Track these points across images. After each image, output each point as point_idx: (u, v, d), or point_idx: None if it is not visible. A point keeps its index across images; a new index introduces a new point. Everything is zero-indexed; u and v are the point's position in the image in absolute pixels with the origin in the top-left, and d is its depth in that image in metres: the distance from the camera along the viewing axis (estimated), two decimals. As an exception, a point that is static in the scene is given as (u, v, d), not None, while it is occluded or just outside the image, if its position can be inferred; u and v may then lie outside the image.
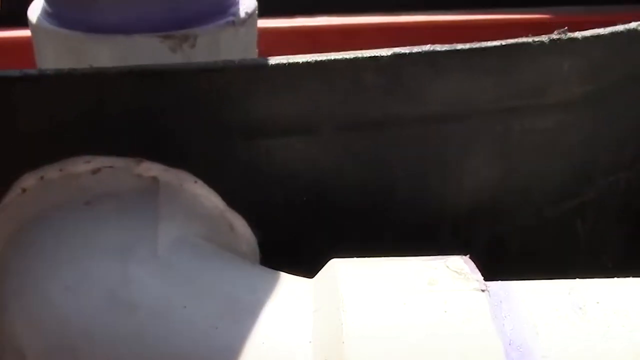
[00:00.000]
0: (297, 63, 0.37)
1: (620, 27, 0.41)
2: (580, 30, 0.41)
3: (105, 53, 0.47)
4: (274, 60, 0.37)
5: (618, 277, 0.32)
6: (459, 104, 0.40)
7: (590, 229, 0.48)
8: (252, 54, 0.53)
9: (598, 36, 0.40)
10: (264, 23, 0.89)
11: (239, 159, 0.39)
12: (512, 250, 0.47)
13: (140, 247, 0.36)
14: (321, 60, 0.37)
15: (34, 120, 0.38)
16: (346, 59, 0.37)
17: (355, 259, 0.34)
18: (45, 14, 0.49)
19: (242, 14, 0.50)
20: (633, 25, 0.41)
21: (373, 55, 0.38)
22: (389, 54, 0.38)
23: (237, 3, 0.51)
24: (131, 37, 0.46)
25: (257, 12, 0.53)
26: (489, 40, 0.95)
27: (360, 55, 0.38)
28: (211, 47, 0.48)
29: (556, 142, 0.43)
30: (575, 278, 0.32)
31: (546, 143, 0.43)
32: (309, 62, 0.37)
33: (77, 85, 0.37)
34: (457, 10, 1.05)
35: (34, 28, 0.49)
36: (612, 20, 0.97)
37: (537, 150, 0.43)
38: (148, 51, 0.47)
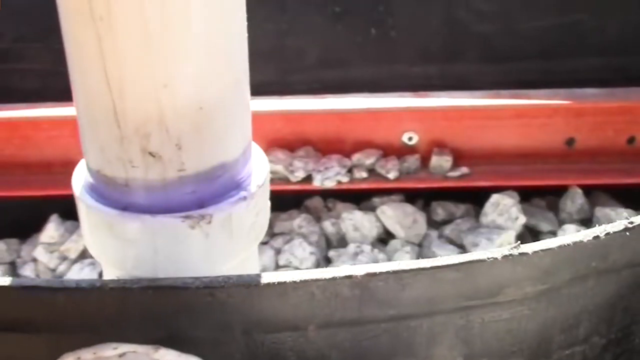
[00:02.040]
0: (285, 282, 0.45)
1: (566, 239, 0.47)
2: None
3: (133, 229, 0.55)
4: (265, 277, 0.45)
5: None
6: (424, 306, 0.47)
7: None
8: (264, 217, 0.61)
9: (547, 249, 0.47)
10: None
11: (240, 349, 0.48)
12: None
13: None
14: (305, 280, 0.45)
15: (72, 319, 0.47)
16: (325, 278, 0.45)
17: None
18: (88, 187, 0.58)
19: (253, 188, 0.58)
20: (579, 236, 0.48)
21: (348, 274, 0.45)
22: (362, 273, 0.45)
23: (250, 176, 0.59)
24: (156, 217, 0.55)
25: (269, 178, 0.61)
26: (506, 120, 1.01)
27: (337, 275, 0.45)
28: (224, 222, 0.56)
29: (514, 329, 0.50)
30: None
31: (505, 330, 0.50)
32: (294, 281, 0.45)
33: (106, 295, 0.46)
34: (477, 89, 1.11)
35: (77, 198, 0.58)
36: (626, 108, 1.02)
37: (497, 336, 0.50)
38: (171, 229, 0.55)
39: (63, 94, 1.12)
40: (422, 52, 1.13)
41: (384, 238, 1.13)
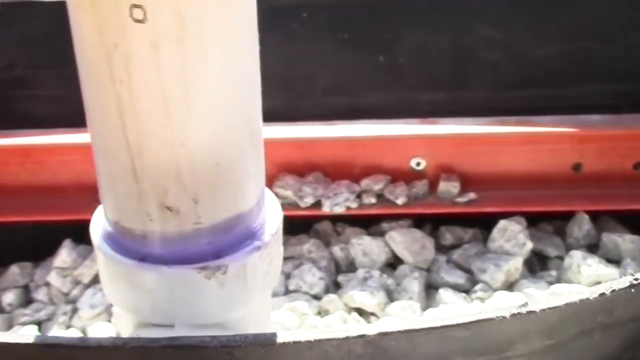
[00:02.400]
0: (300, 341, 0.47)
1: (573, 297, 0.49)
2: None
3: (151, 279, 0.56)
4: (281, 337, 0.47)
5: None
6: (435, 361, 0.49)
7: None
8: (277, 264, 0.62)
9: (554, 307, 0.48)
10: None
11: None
12: None
13: None
14: (319, 339, 0.46)
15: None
16: (339, 338, 0.47)
17: None
18: (106, 236, 0.59)
19: (267, 237, 0.59)
20: (585, 294, 0.49)
21: (361, 333, 0.47)
22: (375, 332, 0.47)
23: (264, 224, 0.61)
24: (173, 267, 0.56)
25: (282, 226, 0.62)
26: (513, 146, 1.02)
27: (350, 335, 0.47)
28: (239, 272, 0.57)
29: (522, 379, 0.51)
30: None
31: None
32: (309, 340, 0.46)
33: (127, 354, 0.47)
34: (484, 116, 1.12)
35: (95, 246, 0.60)
36: (632, 135, 1.03)
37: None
38: (187, 279, 0.56)
39: (75, 120, 1.14)
40: (429, 79, 1.14)
41: (393, 263, 1.14)
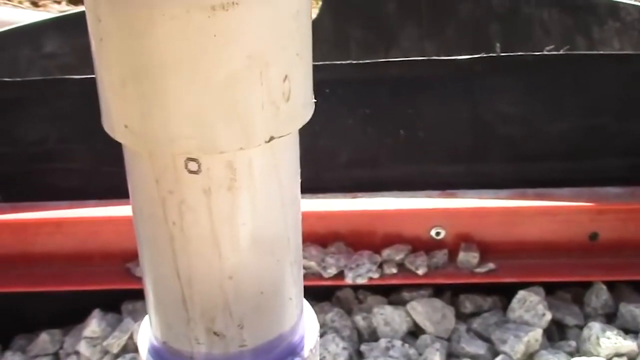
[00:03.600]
0: None
1: None
2: None
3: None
4: None
5: None
6: None
7: None
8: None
9: None
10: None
11: None
12: None
13: None
14: None
15: None
16: None
17: None
18: (153, 351, 0.62)
19: (306, 353, 0.62)
20: None
21: None
22: None
23: (302, 339, 0.64)
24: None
25: (319, 338, 0.65)
26: (531, 218, 1.04)
27: None
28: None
29: None
30: None
31: None
32: None
33: None
34: (502, 187, 1.15)
35: (143, 361, 0.63)
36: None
37: None
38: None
39: (104, 192, 1.17)
40: (449, 152, 1.18)
41: (414, 331, 1.16)
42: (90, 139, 1.18)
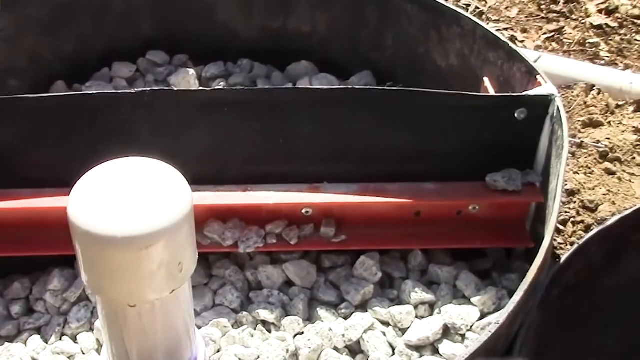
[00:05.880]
0: None
1: None
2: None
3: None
4: None
5: None
6: None
7: None
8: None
9: None
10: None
11: None
12: None
13: None
14: None
15: None
16: None
17: None
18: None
19: None
20: None
21: None
22: None
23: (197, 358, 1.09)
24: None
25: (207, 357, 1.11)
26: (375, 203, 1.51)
27: None
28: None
29: None
30: None
31: None
32: None
33: None
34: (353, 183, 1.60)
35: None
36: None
37: None
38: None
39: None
40: (315, 156, 1.61)
41: (288, 282, 1.64)
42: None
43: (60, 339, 1.55)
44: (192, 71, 2.17)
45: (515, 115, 1.55)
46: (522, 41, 3.03)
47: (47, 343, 1.54)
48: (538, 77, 1.61)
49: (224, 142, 1.60)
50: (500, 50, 1.74)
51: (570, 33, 3.07)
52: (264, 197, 1.60)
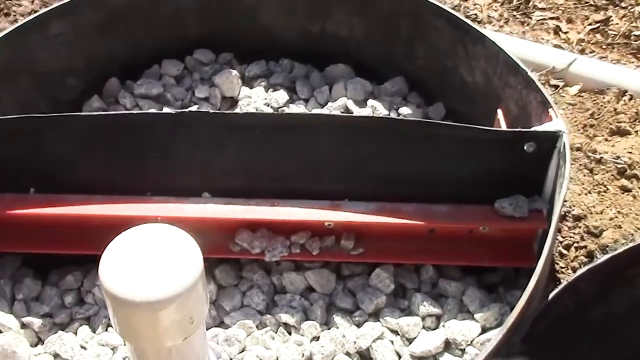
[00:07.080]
0: None
1: None
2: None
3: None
4: None
5: None
6: None
7: None
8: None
9: None
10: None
11: None
12: None
13: None
14: None
15: None
16: None
17: None
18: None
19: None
20: None
21: None
22: None
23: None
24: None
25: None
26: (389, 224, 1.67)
27: None
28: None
29: None
30: None
31: None
32: None
33: None
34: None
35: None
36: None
37: None
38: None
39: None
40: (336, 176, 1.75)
41: (309, 288, 1.81)
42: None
43: (106, 330, 1.75)
44: (235, 72, 2.31)
45: (525, 148, 1.66)
46: (565, 32, 3.04)
47: (94, 333, 1.75)
48: (550, 110, 1.70)
49: (255, 161, 1.75)
50: (520, 76, 1.83)
51: (617, 24, 3.06)
52: (289, 213, 1.76)
